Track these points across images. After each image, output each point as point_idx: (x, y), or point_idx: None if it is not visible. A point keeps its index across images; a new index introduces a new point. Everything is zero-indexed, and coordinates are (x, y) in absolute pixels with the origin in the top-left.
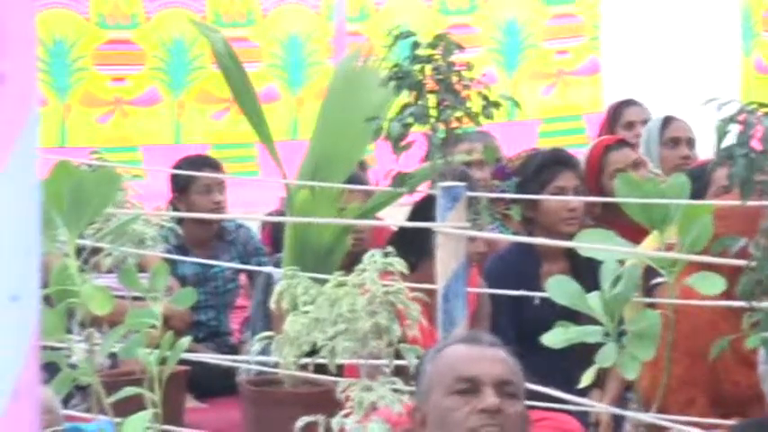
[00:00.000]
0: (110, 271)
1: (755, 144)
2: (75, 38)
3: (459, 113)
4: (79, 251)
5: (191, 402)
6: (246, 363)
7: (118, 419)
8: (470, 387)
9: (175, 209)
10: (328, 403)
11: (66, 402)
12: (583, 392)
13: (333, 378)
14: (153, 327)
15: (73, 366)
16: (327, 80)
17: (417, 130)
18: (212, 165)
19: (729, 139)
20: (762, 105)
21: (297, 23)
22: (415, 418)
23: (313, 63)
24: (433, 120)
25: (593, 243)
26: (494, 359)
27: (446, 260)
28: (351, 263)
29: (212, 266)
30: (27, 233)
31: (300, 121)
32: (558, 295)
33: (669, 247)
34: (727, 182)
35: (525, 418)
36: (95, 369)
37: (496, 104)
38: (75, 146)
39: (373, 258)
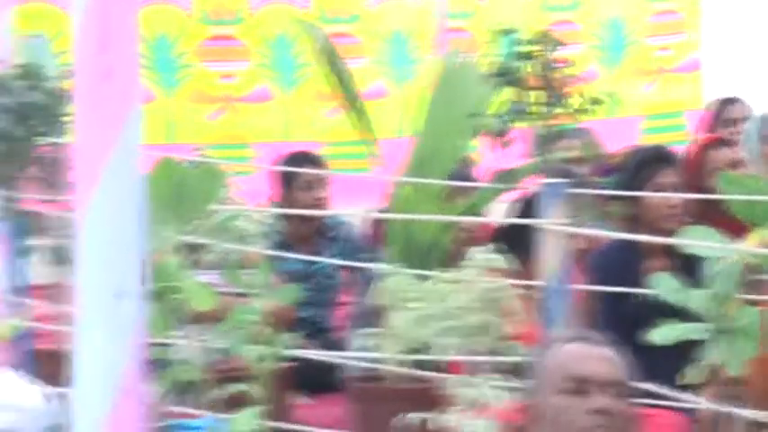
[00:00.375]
0: (212, 267)
1: None
2: (178, 33)
3: (559, 110)
4: (182, 248)
5: (296, 398)
6: (351, 359)
7: (224, 416)
8: (581, 387)
9: (278, 205)
10: (432, 399)
11: (172, 398)
12: (685, 389)
13: (437, 374)
14: (256, 323)
15: (179, 363)
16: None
17: (519, 127)
18: (314, 161)
19: None
20: None
21: (400, 19)
22: (526, 415)
23: (418, 59)
24: (534, 116)
25: (696, 240)
26: (605, 359)
27: (548, 257)
28: (455, 259)
29: (314, 263)
30: (130, 230)
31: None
32: (661, 291)
33: None
34: None
35: (634, 417)
36: (201, 366)
37: (597, 101)
38: (182, 142)
39: (477, 255)
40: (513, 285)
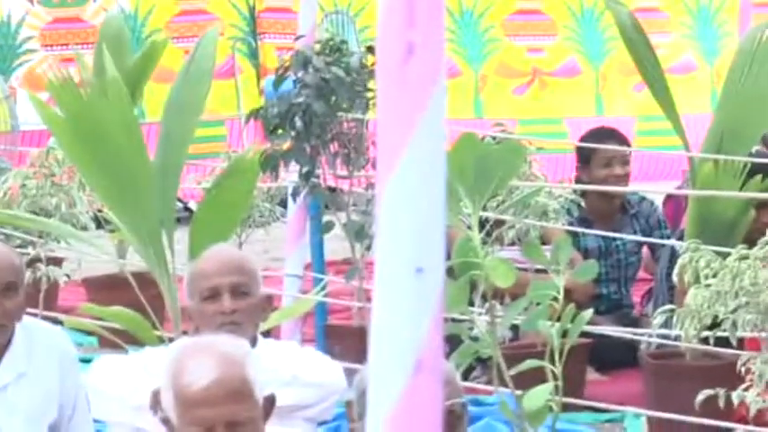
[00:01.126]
0: (512, 243)
1: None
2: (484, 8)
3: None
4: (482, 223)
5: (591, 375)
6: (648, 335)
7: (519, 392)
8: None
9: (579, 181)
10: (729, 376)
11: (466, 375)
12: None
13: (734, 351)
14: (555, 299)
15: (474, 339)
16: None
17: None
18: (616, 137)
19: None
20: None
21: None
22: None
23: (724, 34)
24: None
25: None
26: None
27: None
28: (755, 236)
29: (615, 239)
30: (433, 204)
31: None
32: None
33: None
34: None
35: None
36: (497, 341)
37: None
38: (491, 117)
39: None
40: None
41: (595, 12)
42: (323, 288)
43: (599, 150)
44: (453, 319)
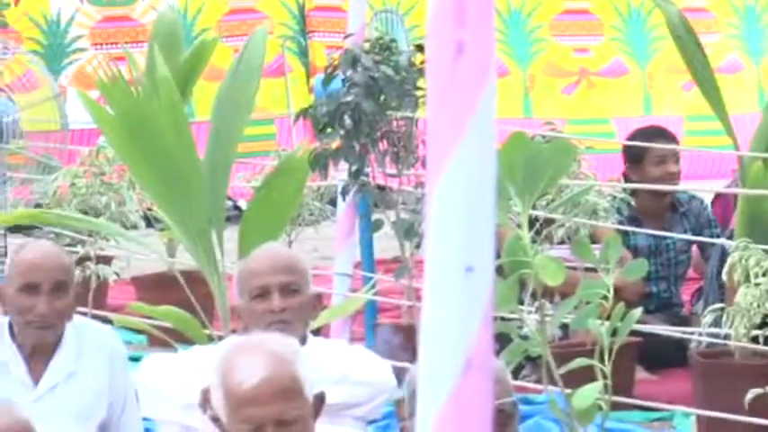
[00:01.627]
0: (562, 242)
1: None
2: (532, 8)
3: None
4: (532, 222)
5: (641, 374)
6: (697, 334)
7: (568, 390)
8: None
9: (629, 180)
10: None
11: (516, 373)
12: None
13: None
14: (604, 298)
15: (524, 337)
16: None
17: None
18: (666, 136)
19: None
20: None
21: None
22: None
23: None
24: None
25: None
26: None
27: None
28: None
29: (664, 238)
30: (483, 203)
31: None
32: None
33: None
34: None
35: None
36: (547, 340)
37: None
38: (540, 117)
39: None
40: None
41: (642, 12)
42: (372, 286)
43: (652, 148)
44: (503, 318)
